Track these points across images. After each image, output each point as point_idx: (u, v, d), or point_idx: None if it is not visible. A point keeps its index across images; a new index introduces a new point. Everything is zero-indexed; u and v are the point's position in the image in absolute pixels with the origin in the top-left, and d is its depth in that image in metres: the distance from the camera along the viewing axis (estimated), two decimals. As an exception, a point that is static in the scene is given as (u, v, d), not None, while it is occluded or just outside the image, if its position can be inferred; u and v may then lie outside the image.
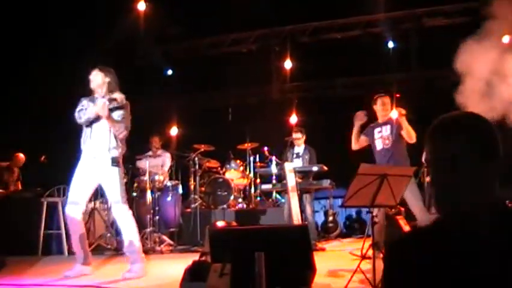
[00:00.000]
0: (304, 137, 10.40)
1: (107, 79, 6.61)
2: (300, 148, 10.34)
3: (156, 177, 9.91)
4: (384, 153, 7.47)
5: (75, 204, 6.47)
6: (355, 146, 7.65)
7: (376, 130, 7.60)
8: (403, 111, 7.29)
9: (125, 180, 9.62)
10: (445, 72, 9.70)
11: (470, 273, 1.59)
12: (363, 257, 5.46)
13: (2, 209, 8.94)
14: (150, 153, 10.76)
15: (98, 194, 7.54)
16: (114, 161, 6.40)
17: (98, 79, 6.60)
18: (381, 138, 7.54)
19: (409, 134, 7.28)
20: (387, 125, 7.53)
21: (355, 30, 13.47)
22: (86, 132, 6.55)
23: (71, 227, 6.56)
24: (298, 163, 9.95)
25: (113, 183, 6.43)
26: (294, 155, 10.23)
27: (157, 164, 10.70)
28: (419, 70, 13.27)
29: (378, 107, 7.62)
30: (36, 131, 11.23)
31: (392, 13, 12.69)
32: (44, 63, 11.34)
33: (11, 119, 11.47)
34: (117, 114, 6.48)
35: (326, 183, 9.61)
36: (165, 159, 10.89)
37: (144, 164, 9.83)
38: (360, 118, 7.46)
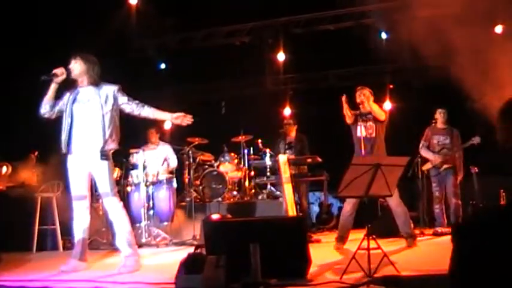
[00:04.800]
0: (295, 126, 10.49)
1: (86, 67, 6.56)
2: (291, 138, 10.41)
3: (150, 171, 9.89)
4: (365, 141, 7.81)
5: (80, 199, 6.49)
6: (350, 119, 8.00)
7: (359, 118, 7.96)
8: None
9: (118, 173, 9.66)
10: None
11: None
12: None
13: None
14: (149, 146, 10.70)
15: (93, 188, 7.53)
16: (103, 155, 6.38)
17: (76, 68, 6.55)
18: (364, 127, 7.79)
19: (378, 113, 7.88)
20: (369, 115, 7.86)
21: (347, 22, 13.44)
22: (67, 124, 6.50)
23: (77, 222, 6.54)
24: (290, 153, 9.99)
25: (103, 176, 6.42)
26: (286, 146, 10.28)
27: (157, 157, 10.67)
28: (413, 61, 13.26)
29: (357, 99, 8.03)
30: (28, 127, 11.16)
31: (384, 4, 12.66)
32: (36, 58, 11.27)
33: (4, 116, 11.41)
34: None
35: (320, 174, 9.62)
36: (169, 153, 10.84)
37: (140, 157, 9.79)
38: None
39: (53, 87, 6.53)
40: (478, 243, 1.71)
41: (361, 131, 7.83)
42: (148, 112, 6.66)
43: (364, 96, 7.87)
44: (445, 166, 9.52)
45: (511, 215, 1.71)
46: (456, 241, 1.83)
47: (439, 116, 9.68)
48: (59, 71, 6.47)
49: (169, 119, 6.88)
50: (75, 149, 6.46)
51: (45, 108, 6.57)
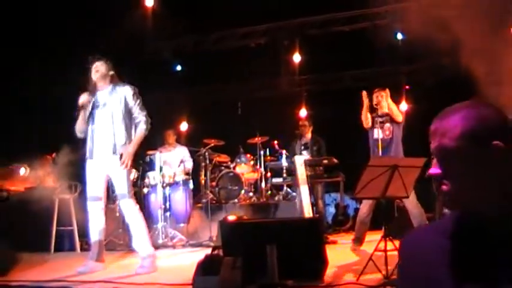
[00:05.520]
0: (311, 127, 10.50)
1: (111, 72, 6.63)
2: (306, 139, 10.40)
3: (167, 172, 9.92)
4: (382, 142, 7.78)
5: (95, 200, 6.55)
6: (367, 123, 7.98)
7: (376, 119, 7.86)
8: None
9: (135, 175, 9.71)
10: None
11: (479, 273, 1.56)
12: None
13: (15, 206, 8.97)
14: (165, 147, 10.78)
15: (109, 190, 7.58)
16: (122, 158, 6.43)
17: (102, 70, 6.60)
18: (381, 129, 7.77)
19: (396, 113, 7.90)
20: (387, 117, 7.82)
21: (363, 23, 13.41)
22: (91, 130, 6.56)
23: (93, 223, 6.60)
24: (305, 154, 9.98)
25: (120, 178, 6.47)
26: (302, 147, 10.27)
27: (174, 159, 10.73)
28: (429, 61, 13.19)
29: (374, 101, 7.96)
30: (45, 128, 11.23)
31: (400, 4, 12.63)
32: (52, 60, 11.34)
33: (19, 117, 11.49)
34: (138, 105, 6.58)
35: (336, 175, 9.61)
36: (185, 155, 10.91)
37: (157, 158, 9.83)
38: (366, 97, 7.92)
39: (83, 114, 6.61)
40: (419, 256, 1.71)
41: (378, 132, 7.81)
42: (136, 133, 6.63)
43: (382, 97, 7.86)
44: None
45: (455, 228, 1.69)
46: (399, 253, 1.84)
47: None
48: (85, 100, 6.53)
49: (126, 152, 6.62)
50: (96, 153, 6.52)
51: (81, 133, 6.69)
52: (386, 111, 7.90)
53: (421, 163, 5.77)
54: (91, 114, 6.58)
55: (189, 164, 10.86)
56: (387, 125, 7.84)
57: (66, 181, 9.37)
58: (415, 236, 1.83)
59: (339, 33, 13.67)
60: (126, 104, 6.53)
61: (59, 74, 10.22)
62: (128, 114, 6.56)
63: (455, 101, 1.82)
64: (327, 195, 11.87)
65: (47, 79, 11.06)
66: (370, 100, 7.97)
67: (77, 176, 9.26)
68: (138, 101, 6.59)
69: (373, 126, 7.90)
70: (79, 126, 6.63)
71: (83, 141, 6.73)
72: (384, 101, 7.90)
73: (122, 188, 6.49)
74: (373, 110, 7.99)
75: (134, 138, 6.57)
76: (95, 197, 6.56)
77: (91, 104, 6.60)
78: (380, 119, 7.84)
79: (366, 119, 7.93)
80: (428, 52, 9.12)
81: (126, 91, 6.58)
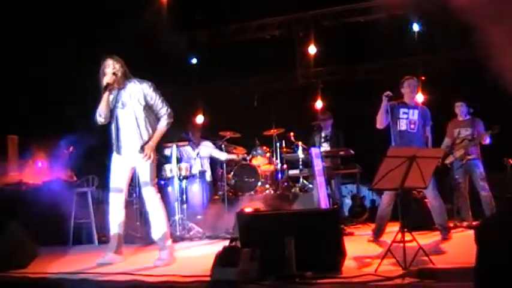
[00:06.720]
0: (331, 120, 10.47)
1: (125, 68, 6.61)
2: (327, 131, 10.37)
3: (183, 165, 9.95)
4: (406, 135, 7.62)
5: (118, 192, 6.57)
6: (381, 125, 7.68)
7: (402, 110, 7.69)
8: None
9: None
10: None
11: None
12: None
13: (33, 199, 9.03)
14: (185, 142, 10.86)
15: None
16: (144, 152, 6.45)
17: (117, 67, 6.54)
18: (407, 120, 7.63)
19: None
20: (415, 110, 7.66)
21: (379, 14, 13.36)
22: (115, 128, 6.57)
23: (113, 215, 6.62)
24: (326, 146, 9.97)
25: (145, 168, 6.49)
26: (322, 139, 10.24)
27: (194, 154, 10.82)
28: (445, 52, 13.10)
29: (405, 89, 7.73)
30: (63, 121, 11.28)
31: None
32: (66, 52, 11.38)
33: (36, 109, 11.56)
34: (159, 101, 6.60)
35: (353, 167, 9.59)
36: (207, 149, 11.03)
37: (174, 151, 9.88)
38: (388, 96, 7.54)
39: (106, 96, 6.53)
40: (498, 243, 1.70)
41: (403, 124, 7.65)
42: (158, 127, 6.65)
43: (414, 87, 7.78)
44: (468, 157, 9.27)
45: None
46: (478, 241, 1.84)
47: (457, 109, 9.50)
48: (110, 79, 6.52)
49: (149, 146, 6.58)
50: (123, 151, 6.53)
51: (101, 117, 6.58)
52: (414, 104, 7.79)
53: (439, 154, 5.76)
54: (112, 113, 6.58)
55: (223, 155, 11.01)
56: (414, 118, 7.68)
57: (83, 174, 9.42)
58: (490, 224, 1.83)
59: (354, 24, 13.64)
60: (146, 102, 6.53)
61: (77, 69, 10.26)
62: (150, 110, 6.56)
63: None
64: (344, 186, 11.86)
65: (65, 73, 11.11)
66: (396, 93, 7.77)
67: (94, 169, 9.32)
68: (158, 96, 6.57)
69: (398, 117, 7.73)
70: (102, 109, 6.52)
71: (103, 133, 6.73)
72: (415, 91, 7.81)
73: (145, 176, 6.51)
74: (401, 96, 7.82)
75: (156, 131, 6.58)
76: (118, 188, 6.58)
77: (112, 101, 6.58)
78: (406, 109, 7.71)
79: (381, 116, 7.61)
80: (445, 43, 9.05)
81: (144, 88, 6.54)
